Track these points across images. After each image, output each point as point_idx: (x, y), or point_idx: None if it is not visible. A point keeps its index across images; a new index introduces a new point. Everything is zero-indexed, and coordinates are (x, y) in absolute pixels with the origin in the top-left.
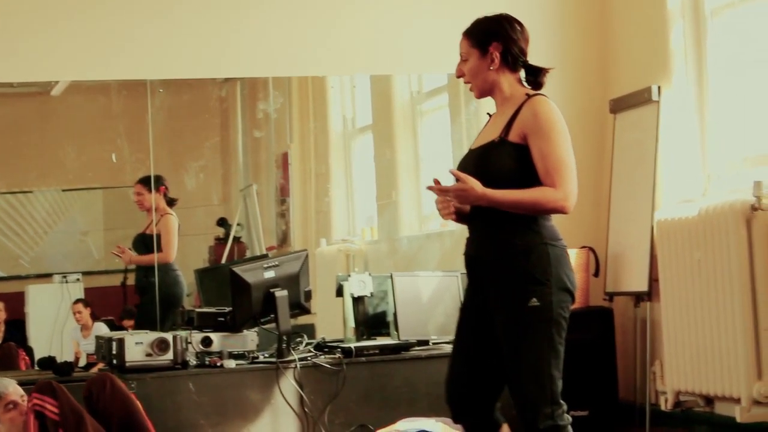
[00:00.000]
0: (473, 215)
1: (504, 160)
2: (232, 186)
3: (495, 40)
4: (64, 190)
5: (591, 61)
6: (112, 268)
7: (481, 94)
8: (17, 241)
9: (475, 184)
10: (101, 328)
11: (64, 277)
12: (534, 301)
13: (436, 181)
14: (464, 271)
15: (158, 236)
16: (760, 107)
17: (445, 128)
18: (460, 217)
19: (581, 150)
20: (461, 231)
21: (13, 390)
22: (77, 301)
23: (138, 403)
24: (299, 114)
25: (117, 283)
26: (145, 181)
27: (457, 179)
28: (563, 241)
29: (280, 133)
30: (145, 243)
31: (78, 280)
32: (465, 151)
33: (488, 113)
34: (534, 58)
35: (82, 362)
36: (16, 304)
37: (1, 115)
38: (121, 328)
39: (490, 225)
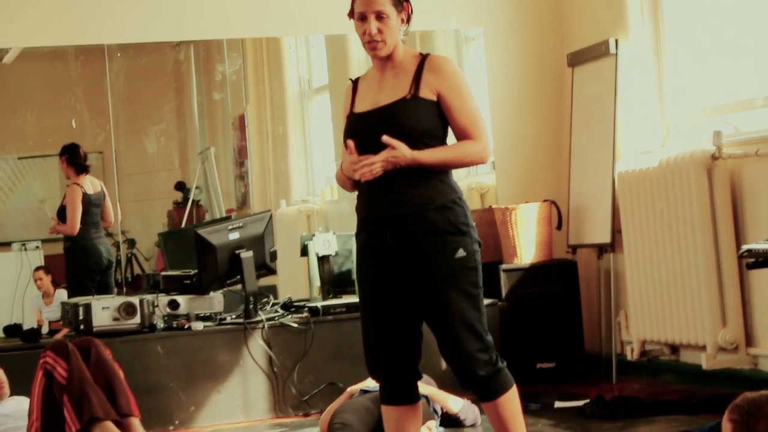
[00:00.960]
0: (378, 180)
1: (419, 116)
2: (190, 149)
3: (406, 1)
4: (20, 158)
5: (547, 15)
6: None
7: (388, 53)
8: None
9: (405, 150)
10: (63, 295)
11: (23, 245)
12: (461, 252)
13: (353, 145)
14: None
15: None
16: (717, 57)
17: None
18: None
19: (540, 104)
20: None
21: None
22: (38, 268)
23: (120, 371)
24: (255, 76)
25: None
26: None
27: (387, 145)
28: None
29: (236, 96)
30: (60, 214)
31: (37, 247)
32: None
33: (351, 79)
34: (490, 14)
35: (45, 329)
36: None
37: None
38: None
39: (403, 183)
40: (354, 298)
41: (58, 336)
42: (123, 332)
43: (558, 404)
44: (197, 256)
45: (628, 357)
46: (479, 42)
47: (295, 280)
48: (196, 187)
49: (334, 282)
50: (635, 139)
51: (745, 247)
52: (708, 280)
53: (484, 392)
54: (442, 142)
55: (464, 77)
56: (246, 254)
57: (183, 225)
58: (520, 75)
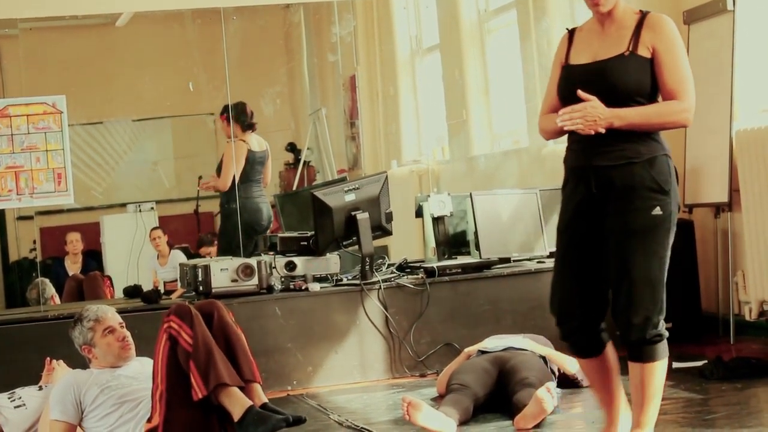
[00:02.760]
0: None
1: (634, 73)
2: (301, 110)
3: None
4: (134, 120)
5: None
6: (184, 196)
7: (608, 9)
8: (89, 173)
9: (601, 108)
10: (178, 256)
11: (138, 206)
12: (657, 210)
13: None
14: (544, 187)
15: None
16: None
17: (514, 46)
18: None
19: None
20: (537, 148)
21: (112, 316)
22: (154, 228)
23: (242, 335)
24: (365, 36)
25: (190, 210)
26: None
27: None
28: None
29: (347, 57)
30: (219, 169)
31: (152, 209)
32: (537, 68)
33: (568, 28)
34: None
35: (161, 289)
36: (92, 234)
37: (67, 48)
38: (197, 255)
39: (612, 135)
40: (469, 259)
41: (174, 296)
42: (241, 294)
43: (676, 365)
44: (314, 218)
45: (746, 317)
46: None
47: (409, 241)
48: (308, 148)
49: (449, 243)
50: (754, 97)
51: None
52: None
53: (638, 353)
54: (651, 100)
55: (680, 39)
56: (362, 215)
57: (294, 186)
58: None
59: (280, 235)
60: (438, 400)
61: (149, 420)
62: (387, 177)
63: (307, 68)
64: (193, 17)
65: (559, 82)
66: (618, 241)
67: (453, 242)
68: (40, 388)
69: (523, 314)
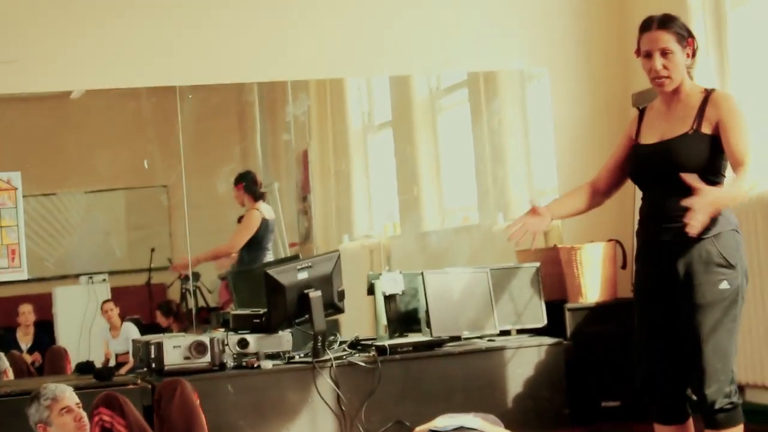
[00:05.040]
0: (657, 205)
1: (699, 152)
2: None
3: (690, 36)
4: (86, 192)
5: (613, 58)
6: (137, 267)
7: (673, 88)
8: (42, 243)
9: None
10: (130, 328)
11: (90, 277)
12: (725, 284)
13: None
14: (495, 266)
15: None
16: None
17: (466, 124)
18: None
19: (606, 142)
20: (487, 225)
21: (69, 395)
22: (107, 301)
23: (202, 415)
24: (318, 114)
25: (142, 282)
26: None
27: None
28: None
29: (299, 133)
30: None
31: (104, 280)
32: (487, 146)
33: (638, 107)
34: (555, 55)
35: (112, 362)
36: (44, 305)
37: (21, 122)
38: (151, 325)
39: (680, 211)
40: (420, 337)
41: (124, 370)
42: (193, 371)
43: None
44: (267, 296)
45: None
46: (544, 81)
47: (360, 317)
48: None
49: (400, 320)
50: None
51: None
52: None
53: (713, 421)
54: (719, 176)
55: (741, 111)
56: (315, 294)
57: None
58: (584, 114)
59: (232, 312)
60: None
61: None
62: (339, 255)
63: (261, 145)
64: (148, 94)
65: (629, 160)
66: (689, 315)
67: (404, 320)
68: None
69: (474, 392)
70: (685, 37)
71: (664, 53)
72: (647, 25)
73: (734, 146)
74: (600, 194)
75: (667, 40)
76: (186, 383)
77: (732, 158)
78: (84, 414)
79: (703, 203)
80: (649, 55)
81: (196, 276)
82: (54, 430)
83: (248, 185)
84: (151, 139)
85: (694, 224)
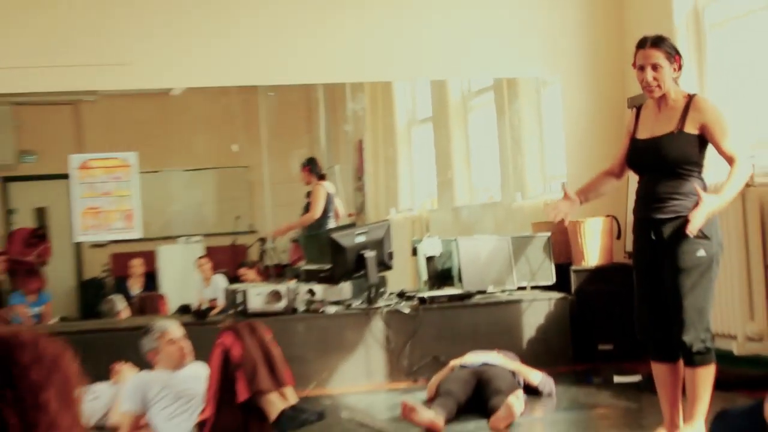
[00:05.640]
0: (648, 189)
1: (682, 148)
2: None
3: (677, 54)
4: (184, 170)
5: (613, 68)
6: (224, 231)
7: (661, 95)
8: (149, 211)
9: (709, 205)
10: (218, 279)
11: (188, 238)
12: (701, 252)
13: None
14: (514, 234)
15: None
16: (751, 99)
17: (491, 120)
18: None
19: (604, 138)
20: (507, 203)
21: (175, 329)
22: (201, 257)
23: (278, 348)
24: (371, 109)
25: (228, 243)
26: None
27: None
28: None
29: (356, 125)
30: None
31: (199, 240)
32: (509, 139)
33: (635, 106)
34: (566, 64)
35: (204, 306)
36: (150, 260)
37: (133, 113)
38: (236, 277)
39: (666, 194)
40: (453, 290)
41: (214, 312)
42: (271, 314)
43: (617, 379)
44: (331, 255)
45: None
46: (556, 86)
47: (403, 274)
48: None
49: (437, 277)
50: None
51: None
52: (740, 283)
53: (691, 361)
54: (698, 166)
55: (721, 112)
56: (369, 254)
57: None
58: (588, 113)
59: (303, 267)
60: (428, 402)
61: (202, 412)
62: (389, 224)
63: (324, 134)
64: (236, 92)
65: (627, 153)
66: (672, 277)
67: (441, 276)
68: (112, 385)
69: (497, 335)
70: (673, 54)
71: (655, 67)
72: (642, 44)
73: (724, 148)
74: (616, 176)
75: (658, 56)
76: (262, 325)
77: (724, 157)
78: (187, 344)
79: (701, 214)
80: (642, 68)
81: (264, 240)
82: (162, 357)
83: (313, 168)
84: (237, 128)
85: (690, 229)
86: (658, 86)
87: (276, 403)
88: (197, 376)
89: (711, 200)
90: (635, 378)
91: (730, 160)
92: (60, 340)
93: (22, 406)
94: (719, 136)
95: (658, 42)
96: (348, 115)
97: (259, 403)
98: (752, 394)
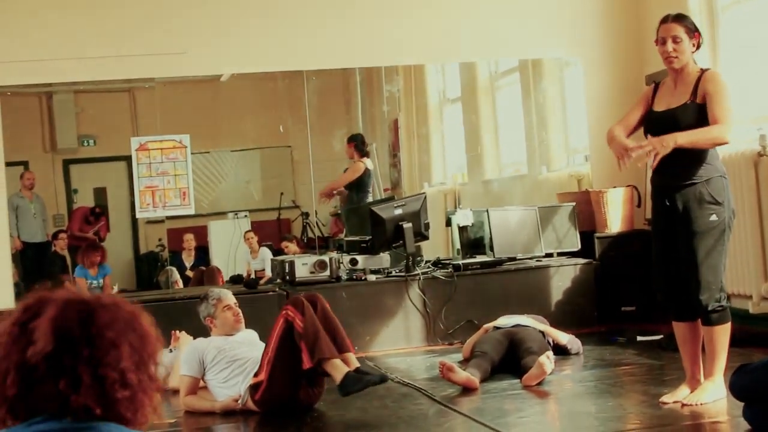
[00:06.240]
0: (663, 158)
1: (695, 117)
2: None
3: (697, 31)
4: (232, 150)
5: (631, 49)
6: (270, 206)
7: (680, 67)
8: (199, 189)
9: (668, 139)
10: (265, 251)
11: (236, 214)
12: (714, 217)
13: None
14: (541, 205)
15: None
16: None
17: (517, 99)
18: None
19: (624, 114)
20: (533, 175)
21: (230, 297)
22: (248, 231)
23: (336, 318)
24: (405, 91)
25: (273, 218)
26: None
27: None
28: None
29: (391, 106)
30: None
31: (246, 216)
32: (534, 117)
33: (654, 81)
34: (591, 49)
35: (252, 276)
36: (202, 234)
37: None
38: (280, 250)
39: (680, 163)
40: (485, 258)
41: (263, 282)
42: (317, 282)
43: (639, 338)
44: (371, 226)
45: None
46: (578, 66)
47: (437, 244)
48: None
49: (470, 245)
50: None
51: None
52: (754, 245)
53: (708, 320)
54: None
55: (726, 84)
56: (407, 225)
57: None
58: (608, 91)
59: (346, 238)
60: (464, 363)
61: (256, 375)
62: (425, 197)
63: (362, 115)
64: (282, 77)
65: (645, 123)
66: (687, 241)
67: (473, 245)
68: (170, 351)
69: (527, 299)
70: (693, 31)
71: (675, 40)
72: (665, 19)
73: (715, 112)
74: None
75: (679, 30)
76: (322, 297)
77: (711, 116)
78: (240, 311)
79: (655, 139)
80: (663, 42)
81: (306, 214)
82: (218, 322)
83: (358, 144)
84: (283, 111)
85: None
86: (677, 57)
87: (340, 368)
88: (251, 341)
89: (670, 136)
90: (657, 337)
91: (714, 120)
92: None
93: (95, 363)
94: (714, 102)
95: (679, 18)
96: (384, 97)
97: (323, 369)
98: (766, 351)
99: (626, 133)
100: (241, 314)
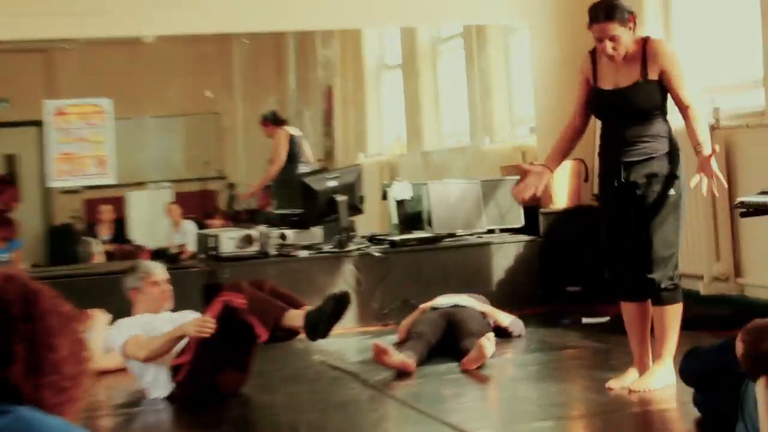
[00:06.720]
0: (616, 134)
1: (649, 96)
2: (289, 112)
3: (631, 14)
4: (153, 116)
5: (579, 14)
6: (194, 176)
7: (620, 58)
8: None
9: (711, 166)
10: (188, 225)
11: (157, 184)
12: (672, 191)
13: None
14: (484, 178)
15: None
16: (717, 43)
17: (460, 66)
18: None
19: (571, 83)
20: (476, 146)
21: (160, 272)
22: (171, 202)
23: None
24: (341, 56)
25: (197, 189)
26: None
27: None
28: None
29: (325, 71)
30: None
31: (168, 186)
32: (477, 84)
33: (589, 51)
34: (539, 14)
35: (173, 251)
36: (119, 206)
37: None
38: (204, 224)
39: (635, 138)
40: (424, 234)
41: (184, 257)
42: (244, 258)
43: (585, 320)
44: (303, 199)
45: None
46: (525, 33)
47: (372, 218)
48: None
49: (408, 220)
50: None
51: (739, 198)
52: (706, 224)
53: (658, 298)
54: (663, 109)
55: (677, 55)
56: (341, 198)
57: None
58: (556, 59)
59: (275, 211)
60: (399, 345)
61: (178, 356)
62: (361, 168)
63: (295, 81)
64: (210, 40)
65: (591, 103)
66: (642, 216)
67: (411, 220)
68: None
69: (467, 278)
70: (627, 19)
71: (613, 39)
72: (596, 17)
73: (681, 95)
74: (580, 130)
75: (614, 28)
76: (260, 278)
77: (679, 104)
78: (169, 287)
79: (714, 167)
80: (600, 40)
81: (233, 185)
82: (143, 297)
83: (271, 119)
84: (211, 76)
85: (721, 184)
86: (618, 53)
87: (296, 316)
88: (176, 320)
89: (709, 153)
90: (603, 319)
91: (686, 108)
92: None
93: (34, 342)
94: (676, 83)
95: (610, 14)
96: (319, 62)
97: (282, 329)
98: (718, 334)
99: (582, 120)
100: (169, 292)
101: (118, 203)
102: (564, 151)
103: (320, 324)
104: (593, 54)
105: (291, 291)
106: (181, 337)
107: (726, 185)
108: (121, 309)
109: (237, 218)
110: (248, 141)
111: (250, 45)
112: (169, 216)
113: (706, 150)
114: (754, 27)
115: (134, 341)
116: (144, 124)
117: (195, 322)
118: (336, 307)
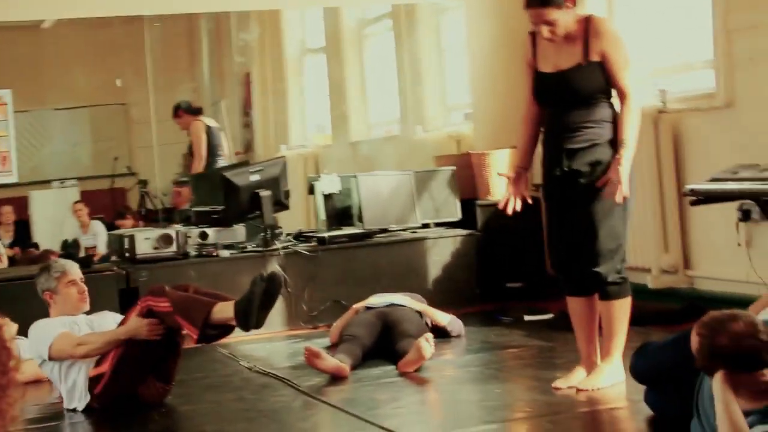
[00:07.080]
0: (559, 120)
1: (592, 79)
2: (205, 102)
3: None
4: (56, 109)
5: None
6: (102, 173)
7: (560, 38)
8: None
9: (622, 165)
10: (97, 225)
11: (62, 182)
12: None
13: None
14: (417, 169)
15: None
16: (663, 24)
17: (389, 49)
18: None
19: (510, 66)
20: (407, 136)
21: (75, 271)
22: (77, 201)
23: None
24: (259, 40)
25: (106, 186)
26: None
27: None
28: None
29: (243, 57)
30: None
31: (74, 184)
32: (408, 69)
33: (529, 33)
34: None
35: (82, 254)
36: (21, 207)
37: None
38: (114, 225)
39: (578, 125)
40: (354, 230)
41: (96, 259)
42: (161, 259)
43: (527, 317)
44: (224, 195)
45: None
46: (460, 12)
47: (298, 214)
48: None
49: (337, 216)
50: None
51: (688, 186)
52: (653, 213)
53: (606, 293)
54: (607, 93)
55: (620, 37)
56: (265, 193)
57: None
58: (493, 40)
59: (194, 209)
60: (331, 348)
61: (96, 365)
62: (285, 161)
63: (208, 67)
64: (117, 23)
65: (533, 87)
66: (587, 206)
67: (340, 215)
68: None
69: (400, 275)
70: (563, 1)
71: (549, 23)
72: (531, 2)
73: (619, 78)
74: (539, 116)
75: (549, 13)
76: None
77: (618, 89)
78: (86, 288)
79: (624, 174)
80: (537, 24)
81: (144, 182)
82: (59, 298)
83: (185, 108)
84: (121, 63)
85: (624, 192)
86: (556, 35)
87: (226, 307)
88: (99, 325)
89: (625, 156)
90: (547, 316)
91: (623, 95)
92: None
93: None
94: (617, 67)
95: (545, 0)
96: (236, 47)
97: (213, 325)
98: (668, 328)
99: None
100: (86, 292)
101: (20, 203)
102: (530, 144)
103: (252, 310)
104: (533, 35)
105: (217, 291)
106: (127, 339)
107: (626, 194)
108: (29, 317)
109: (150, 217)
110: (161, 134)
111: (162, 28)
112: (76, 216)
113: (623, 151)
114: (704, 5)
115: (65, 338)
116: (47, 116)
117: (146, 323)
118: (267, 289)
